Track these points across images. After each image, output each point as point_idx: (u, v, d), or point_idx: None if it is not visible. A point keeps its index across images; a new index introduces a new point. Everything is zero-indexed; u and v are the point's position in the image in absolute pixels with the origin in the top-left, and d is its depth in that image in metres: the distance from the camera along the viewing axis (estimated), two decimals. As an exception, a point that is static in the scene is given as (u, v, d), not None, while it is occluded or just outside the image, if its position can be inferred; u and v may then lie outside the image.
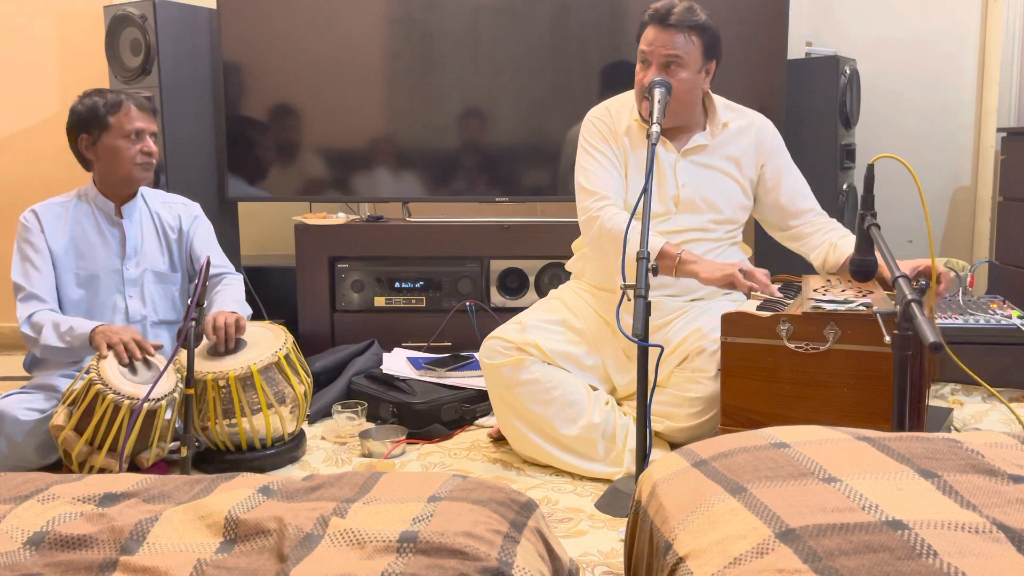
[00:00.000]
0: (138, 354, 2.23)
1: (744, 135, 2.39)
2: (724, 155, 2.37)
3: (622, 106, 2.41)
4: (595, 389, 2.31)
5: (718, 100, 2.40)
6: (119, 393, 2.11)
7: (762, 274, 2.13)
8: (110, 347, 2.21)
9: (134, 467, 2.19)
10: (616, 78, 2.41)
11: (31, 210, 2.45)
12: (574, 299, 2.44)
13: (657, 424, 2.24)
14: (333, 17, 3.34)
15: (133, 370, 2.22)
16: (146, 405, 2.11)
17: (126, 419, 2.10)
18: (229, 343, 2.35)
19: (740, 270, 2.12)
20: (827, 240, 2.33)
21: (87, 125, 2.39)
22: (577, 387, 2.28)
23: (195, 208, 2.64)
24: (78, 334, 2.26)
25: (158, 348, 2.31)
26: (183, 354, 2.21)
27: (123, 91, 2.46)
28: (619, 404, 2.34)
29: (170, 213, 2.58)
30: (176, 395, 2.21)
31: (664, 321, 2.31)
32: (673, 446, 2.24)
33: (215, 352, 2.36)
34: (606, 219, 2.25)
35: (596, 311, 2.39)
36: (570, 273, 2.59)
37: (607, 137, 2.36)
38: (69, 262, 2.43)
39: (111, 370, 2.16)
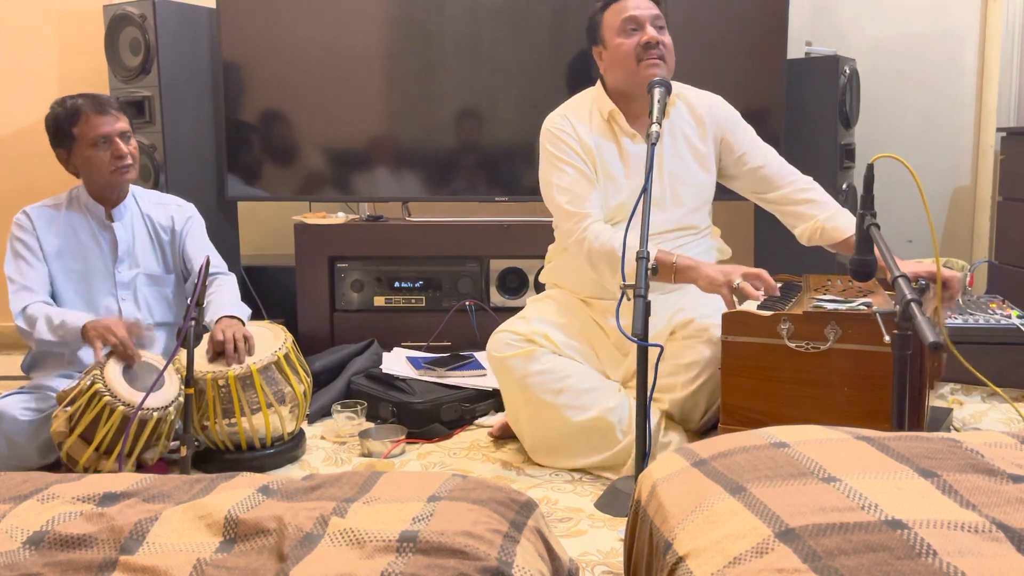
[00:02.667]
0: (136, 356, 2.23)
1: (696, 110, 2.39)
2: (682, 136, 2.37)
3: (578, 109, 2.40)
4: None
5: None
6: (128, 405, 2.11)
7: (759, 278, 2.06)
8: (107, 346, 2.21)
9: (140, 465, 2.20)
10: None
11: (23, 212, 2.44)
12: (562, 298, 2.44)
13: (660, 404, 2.24)
14: (333, 17, 3.34)
15: (136, 376, 2.22)
16: (156, 414, 2.13)
17: (135, 428, 2.11)
18: (235, 360, 2.31)
19: (736, 283, 2.05)
20: (813, 222, 2.30)
21: (57, 140, 2.38)
22: (589, 374, 2.28)
23: (189, 208, 2.63)
24: (70, 328, 2.25)
25: (152, 341, 2.31)
26: (183, 354, 2.21)
27: (85, 95, 2.38)
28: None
29: (163, 214, 2.57)
30: (181, 399, 2.21)
31: (653, 314, 2.31)
32: (684, 429, 2.26)
33: (215, 360, 2.36)
34: (593, 239, 2.24)
35: (585, 311, 2.39)
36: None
37: (572, 145, 2.34)
38: (62, 265, 2.43)
39: (116, 379, 2.16)
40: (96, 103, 2.36)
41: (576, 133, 2.34)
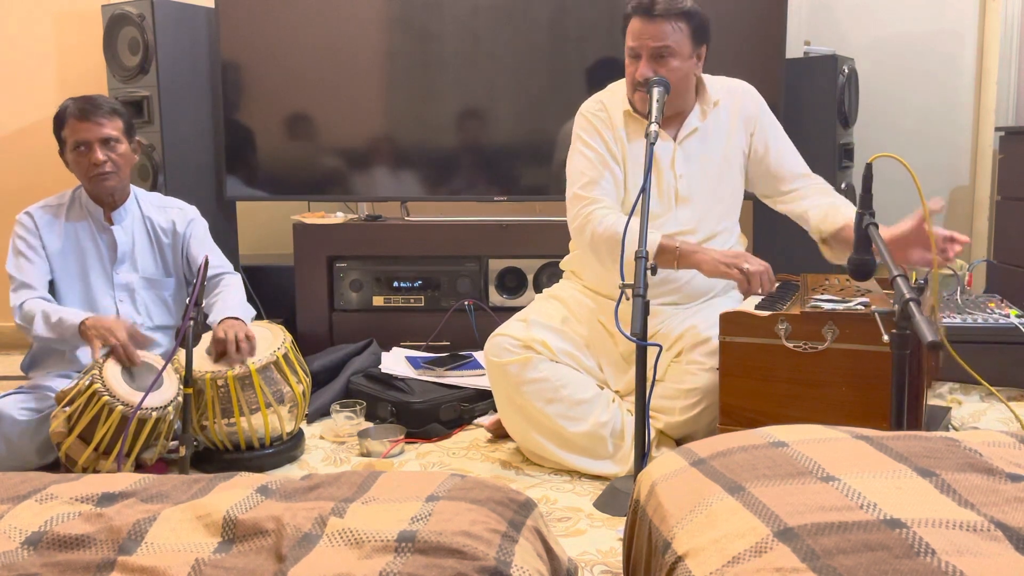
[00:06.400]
0: (137, 359, 2.22)
1: (730, 108, 2.37)
2: (718, 136, 2.34)
3: (614, 96, 2.38)
4: (601, 388, 2.31)
5: (707, 78, 2.37)
6: (127, 404, 2.10)
7: (765, 275, 2.06)
8: (106, 346, 2.20)
9: (138, 465, 2.20)
10: (614, 77, 2.40)
11: (26, 212, 2.45)
12: (572, 300, 2.42)
13: (655, 422, 2.24)
14: (332, 16, 3.33)
15: (135, 376, 2.22)
16: (155, 414, 2.13)
17: (134, 428, 2.11)
18: (237, 360, 2.30)
19: (743, 271, 2.06)
20: (821, 209, 2.23)
21: (57, 139, 2.40)
22: (586, 385, 2.27)
23: (191, 211, 2.62)
24: (67, 326, 2.25)
25: (151, 343, 2.31)
26: (182, 354, 2.21)
27: (78, 98, 2.36)
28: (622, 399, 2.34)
29: (164, 217, 2.57)
30: (180, 398, 2.21)
31: (661, 325, 2.31)
32: (678, 443, 2.24)
33: (219, 360, 2.36)
34: (596, 223, 2.22)
35: (594, 314, 2.38)
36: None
37: (601, 131, 2.32)
38: (62, 265, 2.43)
39: (114, 379, 2.16)
40: (81, 108, 2.33)
41: (609, 116, 2.33)
